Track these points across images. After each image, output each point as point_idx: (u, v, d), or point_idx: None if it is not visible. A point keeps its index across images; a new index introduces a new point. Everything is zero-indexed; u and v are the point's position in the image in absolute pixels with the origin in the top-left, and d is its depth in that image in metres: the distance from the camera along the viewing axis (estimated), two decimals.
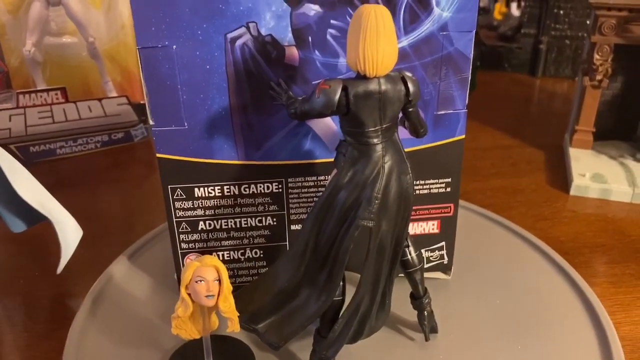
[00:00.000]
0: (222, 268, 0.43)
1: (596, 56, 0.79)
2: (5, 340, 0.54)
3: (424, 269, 0.49)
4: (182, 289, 0.43)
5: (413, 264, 0.48)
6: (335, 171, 0.44)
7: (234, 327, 0.44)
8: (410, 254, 0.47)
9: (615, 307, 0.58)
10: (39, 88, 0.86)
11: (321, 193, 0.52)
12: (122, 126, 0.92)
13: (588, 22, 1.18)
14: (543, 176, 0.85)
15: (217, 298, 0.42)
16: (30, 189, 0.59)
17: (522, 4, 1.34)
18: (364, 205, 0.41)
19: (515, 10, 1.60)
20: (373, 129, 0.40)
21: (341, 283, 0.44)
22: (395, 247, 0.44)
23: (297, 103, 0.42)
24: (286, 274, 0.45)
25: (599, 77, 0.81)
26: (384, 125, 0.40)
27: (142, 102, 0.94)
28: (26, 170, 0.60)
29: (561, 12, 1.18)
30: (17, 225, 0.64)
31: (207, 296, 0.42)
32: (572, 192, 0.79)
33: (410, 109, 0.42)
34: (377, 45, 0.37)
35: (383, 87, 0.39)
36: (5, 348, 0.54)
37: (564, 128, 0.98)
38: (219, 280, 0.42)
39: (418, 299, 0.49)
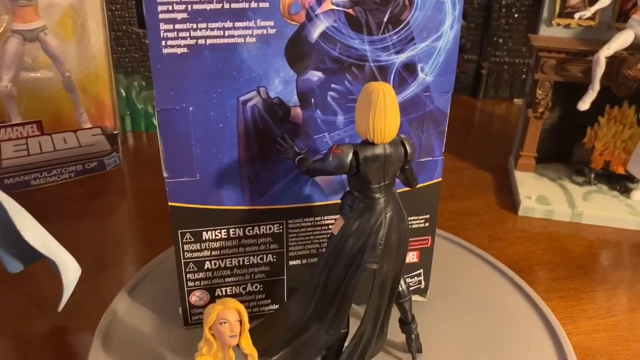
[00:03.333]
0: (243, 310, 0.48)
1: (538, 92, 0.89)
2: None
3: (412, 298, 0.56)
4: (206, 330, 0.47)
5: (404, 295, 0.55)
6: (339, 218, 0.50)
7: None
8: (402, 287, 0.54)
9: (565, 319, 0.67)
10: (14, 122, 0.87)
11: (324, 236, 0.58)
12: (96, 155, 0.94)
13: (524, 49, 1.30)
14: (493, 198, 0.95)
15: (240, 337, 0.47)
16: (33, 231, 0.61)
17: (465, 22, 1.44)
18: (369, 250, 0.47)
19: None
20: (377, 185, 0.46)
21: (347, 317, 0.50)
22: (393, 284, 0.50)
23: (308, 162, 0.48)
24: (297, 311, 0.51)
25: (540, 110, 0.91)
26: (387, 182, 0.47)
27: (115, 132, 0.96)
28: (27, 213, 0.62)
29: (500, 40, 1.29)
30: (15, 266, 0.66)
31: (230, 336, 0.47)
32: (520, 213, 0.88)
33: (406, 167, 0.48)
34: (385, 118, 0.44)
35: (388, 151, 0.46)
36: None
37: (505, 149, 1.08)
38: (240, 321, 0.48)
39: (407, 324, 0.56)
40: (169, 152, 0.51)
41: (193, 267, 0.57)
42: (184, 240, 0.56)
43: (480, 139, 1.21)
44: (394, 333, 0.58)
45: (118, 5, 1.09)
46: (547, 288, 0.73)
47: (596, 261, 0.79)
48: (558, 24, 0.89)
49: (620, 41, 0.82)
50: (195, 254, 0.57)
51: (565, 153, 0.98)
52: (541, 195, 0.89)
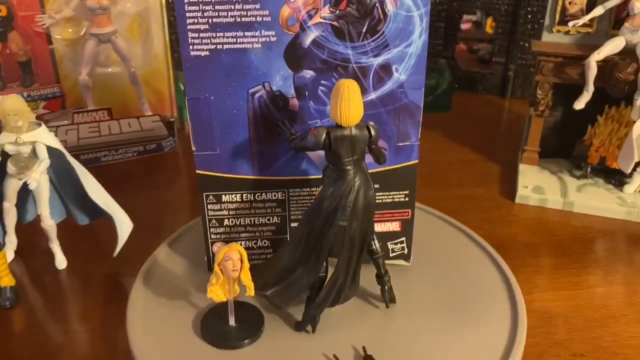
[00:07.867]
0: (243, 252, 0.62)
1: (539, 92, 0.99)
2: (77, 306, 0.74)
3: (385, 256, 0.68)
4: (215, 266, 0.62)
5: (377, 252, 0.67)
6: (322, 187, 0.63)
7: (250, 292, 0.63)
8: (374, 245, 0.66)
9: (534, 289, 0.77)
10: (89, 108, 1.06)
11: (312, 202, 0.71)
12: (155, 139, 1.12)
13: None
14: (496, 187, 1.05)
15: (240, 272, 0.62)
16: (96, 191, 0.79)
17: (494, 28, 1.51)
18: (340, 211, 0.60)
19: None
20: (347, 159, 0.59)
21: (325, 264, 0.63)
22: (362, 240, 0.63)
23: (296, 141, 0.62)
24: (287, 257, 0.64)
25: (541, 108, 1.00)
26: (355, 158, 0.60)
27: (171, 119, 1.14)
28: (92, 176, 0.79)
29: (526, 44, 1.37)
30: (83, 219, 0.84)
31: (233, 270, 0.61)
32: (517, 200, 0.98)
33: (372, 147, 0.61)
34: (349, 107, 0.57)
35: (354, 133, 0.58)
36: (77, 312, 0.73)
37: (519, 145, 1.17)
38: (241, 260, 0.62)
39: (380, 277, 0.69)
40: (197, 131, 0.67)
41: (215, 223, 0.73)
42: (207, 201, 0.71)
43: (500, 136, 1.30)
44: (374, 287, 0.70)
45: None
46: (524, 263, 0.82)
47: (577, 244, 0.88)
48: (558, 31, 0.98)
49: (611, 47, 0.90)
50: (217, 213, 0.72)
51: (568, 149, 1.06)
52: (537, 186, 0.99)
